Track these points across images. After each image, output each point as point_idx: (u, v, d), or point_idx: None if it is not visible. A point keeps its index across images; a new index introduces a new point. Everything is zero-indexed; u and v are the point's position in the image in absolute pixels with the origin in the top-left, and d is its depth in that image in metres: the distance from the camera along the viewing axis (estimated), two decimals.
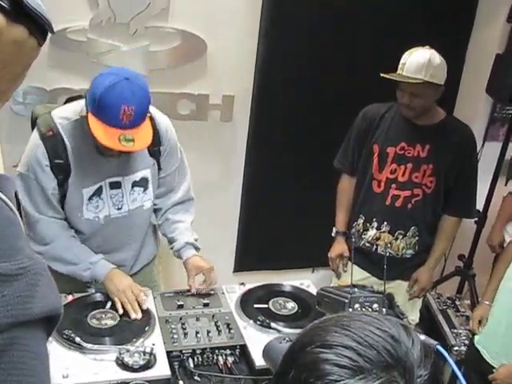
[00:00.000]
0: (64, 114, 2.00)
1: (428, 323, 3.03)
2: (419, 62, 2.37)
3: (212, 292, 2.17)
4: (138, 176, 2.12)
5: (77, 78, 2.71)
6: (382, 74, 2.38)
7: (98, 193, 2.05)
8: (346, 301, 1.73)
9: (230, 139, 3.07)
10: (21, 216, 0.83)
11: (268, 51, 2.93)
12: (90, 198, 2.04)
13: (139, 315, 1.98)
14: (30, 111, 2.66)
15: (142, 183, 2.15)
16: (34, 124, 2.04)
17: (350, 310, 1.72)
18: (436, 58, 2.40)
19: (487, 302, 2.44)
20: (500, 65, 2.98)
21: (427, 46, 2.43)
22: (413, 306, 2.78)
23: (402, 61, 2.43)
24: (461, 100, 3.31)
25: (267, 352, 1.31)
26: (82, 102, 1.99)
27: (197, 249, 2.26)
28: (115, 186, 2.08)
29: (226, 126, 3.00)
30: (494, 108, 3.45)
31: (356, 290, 1.72)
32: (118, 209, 2.11)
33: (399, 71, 2.42)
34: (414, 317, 2.79)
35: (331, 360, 0.71)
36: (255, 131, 3.12)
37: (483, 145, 3.30)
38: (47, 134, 1.93)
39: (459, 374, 0.79)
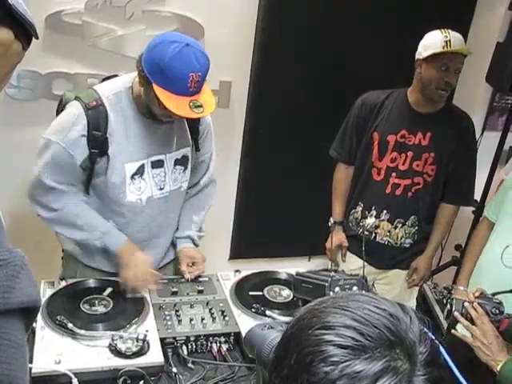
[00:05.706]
0: (108, 87, 1.98)
1: (424, 313, 3.02)
2: (459, 35, 2.33)
3: (205, 278, 2.16)
4: (180, 153, 2.11)
5: (72, 61, 2.68)
6: (430, 52, 2.31)
7: (140, 172, 2.01)
8: (327, 284, 1.71)
9: (227, 125, 3.04)
10: None
11: (266, 36, 2.90)
12: (133, 178, 2.00)
13: (136, 296, 1.96)
14: (25, 95, 2.67)
15: (184, 162, 2.13)
16: (62, 109, 1.99)
17: (331, 293, 1.70)
18: None
19: (462, 288, 2.29)
20: (500, 53, 2.94)
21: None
22: (410, 295, 2.78)
23: (442, 39, 2.32)
24: (460, 88, 3.27)
25: (249, 339, 1.28)
26: (125, 77, 1.99)
27: (195, 245, 2.25)
28: (157, 165, 2.05)
29: (223, 112, 2.96)
30: (493, 97, 3.43)
31: (334, 273, 1.71)
32: (160, 189, 2.08)
33: (445, 49, 2.32)
34: (411, 305, 2.79)
35: (334, 341, 0.70)
36: (252, 117, 3.09)
37: (482, 134, 3.27)
38: (91, 105, 1.90)
39: (443, 351, 0.79)
